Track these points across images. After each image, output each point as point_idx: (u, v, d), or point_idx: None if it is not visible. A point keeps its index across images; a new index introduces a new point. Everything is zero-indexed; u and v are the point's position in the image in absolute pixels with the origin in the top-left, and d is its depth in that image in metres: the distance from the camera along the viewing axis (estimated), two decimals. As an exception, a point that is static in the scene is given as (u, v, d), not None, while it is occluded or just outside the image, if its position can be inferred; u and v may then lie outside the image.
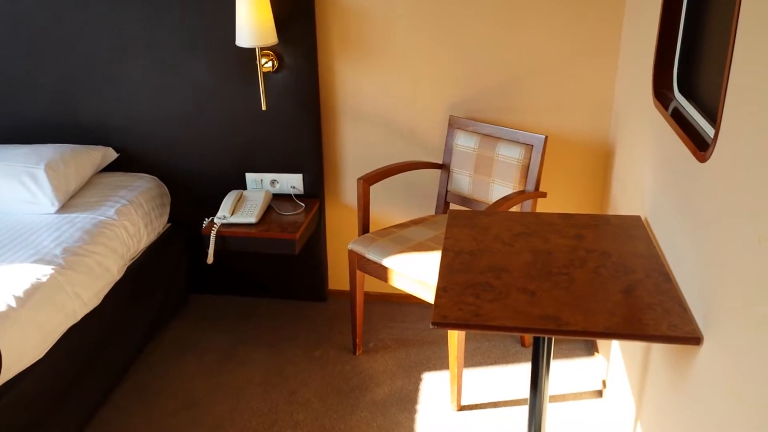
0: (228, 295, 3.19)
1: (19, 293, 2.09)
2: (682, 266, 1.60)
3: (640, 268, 1.68)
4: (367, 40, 2.73)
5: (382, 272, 2.46)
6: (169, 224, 2.99)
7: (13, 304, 2.04)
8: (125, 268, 2.58)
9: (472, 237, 1.87)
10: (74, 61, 2.86)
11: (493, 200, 2.61)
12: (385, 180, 2.87)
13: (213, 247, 2.65)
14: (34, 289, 2.13)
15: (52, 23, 2.81)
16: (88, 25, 2.79)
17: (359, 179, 2.58)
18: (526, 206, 2.54)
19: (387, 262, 2.41)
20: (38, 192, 2.61)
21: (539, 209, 2.82)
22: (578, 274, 1.66)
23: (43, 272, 2.21)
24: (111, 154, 2.95)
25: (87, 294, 2.31)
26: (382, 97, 2.80)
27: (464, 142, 2.68)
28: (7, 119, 3.00)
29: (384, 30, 2.70)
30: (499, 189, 2.59)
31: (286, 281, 3.12)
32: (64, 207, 2.66)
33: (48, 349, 2.12)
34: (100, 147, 2.93)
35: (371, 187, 2.90)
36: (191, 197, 3.02)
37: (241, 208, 2.74)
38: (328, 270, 3.13)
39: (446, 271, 1.68)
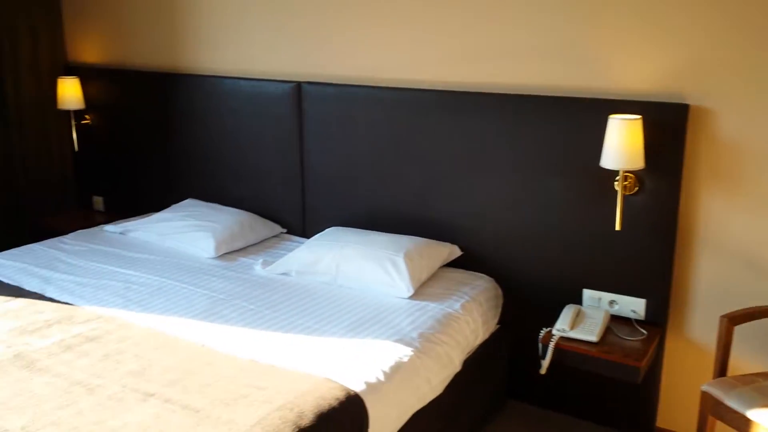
0: (542, 408, 3.12)
1: (386, 369, 2.27)
2: None
3: None
4: (742, 174, 2.59)
5: (743, 424, 2.21)
6: (498, 325, 3.07)
7: (382, 378, 2.23)
8: (463, 362, 2.68)
9: None
10: (438, 165, 3.15)
11: None
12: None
13: (550, 359, 2.64)
14: (398, 367, 2.30)
15: (425, 131, 3.15)
16: (457, 133, 3.07)
17: (723, 317, 2.40)
18: None
19: (753, 414, 2.17)
20: (397, 277, 2.87)
21: None
22: None
23: (404, 353, 2.38)
24: (456, 252, 3.15)
25: (435, 380, 2.44)
26: (754, 234, 2.61)
27: None
28: (374, 207, 3.39)
29: (764, 165, 2.54)
30: None
31: (606, 406, 2.97)
32: (415, 294, 2.86)
33: (398, 429, 2.25)
34: (447, 244, 3.15)
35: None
36: (522, 303, 3.07)
37: (580, 324, 2.70)
38: (658, 406, 2.91)
39: None
